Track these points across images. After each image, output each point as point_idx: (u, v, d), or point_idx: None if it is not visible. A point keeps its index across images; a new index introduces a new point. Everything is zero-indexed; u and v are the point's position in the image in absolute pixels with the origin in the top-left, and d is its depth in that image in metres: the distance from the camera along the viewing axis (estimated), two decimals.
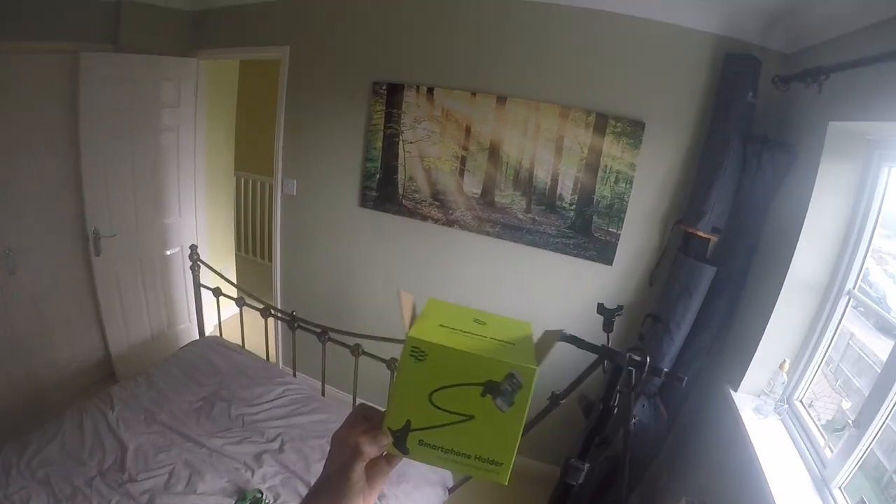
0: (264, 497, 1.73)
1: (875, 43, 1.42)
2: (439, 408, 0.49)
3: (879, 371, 1.51)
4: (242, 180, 3.89)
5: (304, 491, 1.81)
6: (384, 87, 2.49)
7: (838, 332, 1.83)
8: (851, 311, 1.86)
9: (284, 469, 1.90)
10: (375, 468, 0.53)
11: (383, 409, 0.51)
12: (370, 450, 0.49)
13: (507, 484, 0.49)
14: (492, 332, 0.52)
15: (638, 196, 2.24)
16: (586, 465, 1.53)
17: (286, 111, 2.74)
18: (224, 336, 2.85)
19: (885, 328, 1.94)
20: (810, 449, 1.68)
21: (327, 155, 2.69)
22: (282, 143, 2.78)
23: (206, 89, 3.10)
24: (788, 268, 1.81)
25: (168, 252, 3.17)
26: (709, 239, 2.09)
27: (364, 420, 0.52)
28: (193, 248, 2.70)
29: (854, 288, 1.76)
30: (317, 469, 1.92)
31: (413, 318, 0.53)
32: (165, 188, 3.04)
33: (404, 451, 0.50)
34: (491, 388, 0.48)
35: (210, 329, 3.02)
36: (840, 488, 1.52)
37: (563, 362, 1.73)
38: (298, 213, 2.83)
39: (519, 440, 0.48)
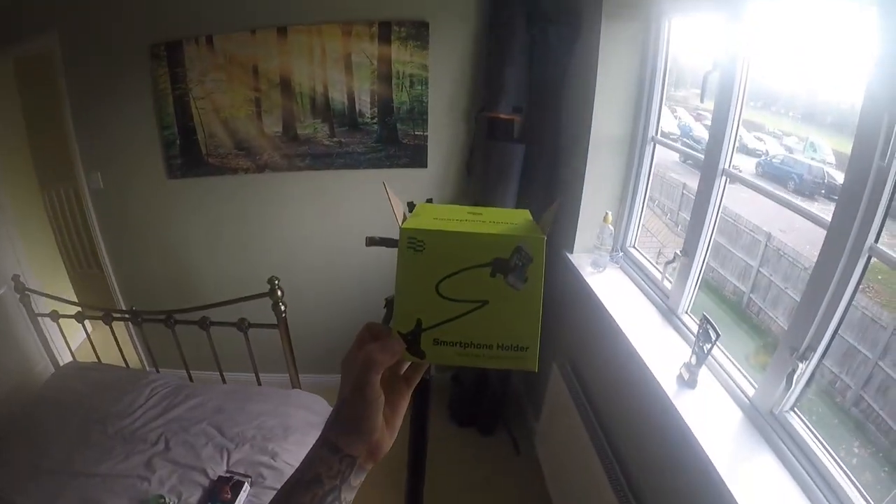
0: (168, 501, 1.68)
1: None
2: (449, 298, 0.44)
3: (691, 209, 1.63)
4: (53, 192, 3.50)
5: (202, 481, 1.78)
6: (163, 49, 2.28)
7: (651, 176, 1.96)
8: (682, 166, 2.01)
9: (177, 466, 1.85)
10: (394, 390, 0.49)
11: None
12: (383, 357, 0.43)
13: (536, 370, 0.44)
14: (489, 218, 0.48)
15: (436, 95, 2.26)
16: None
17: (71, 102, 2.45)
18: (84, 358, 2.63)
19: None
20: (651, 286, 1.83)
21: (124, 136, 2.46)
22: (75, 137, 2.50)
23: None
24: (590, 128, 1.91)
25: None
26: (512, 119, 2.15)
27: (372, 337, 0.46)
28: (16, 278, 2.43)
29: (657, 135, 1.88)
30: (208, 454, 1.89)
31: (405, 217, 0.48)
32: None
33: (420, 355, 0.45)
34: (500, 267, 0.43)
35: (67, 357, 2.77)
36: (687, 312, 1.66)
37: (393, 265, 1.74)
38: (112, 206, 2.60)
39: (540, 318, 0.44)
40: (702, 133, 2.05)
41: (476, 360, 0.45)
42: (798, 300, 1.55)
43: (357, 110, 2.29)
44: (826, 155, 1.55)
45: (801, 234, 1.91)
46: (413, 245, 0.43)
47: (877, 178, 0.96)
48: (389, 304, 1.58)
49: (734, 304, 1.97)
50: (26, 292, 2.43)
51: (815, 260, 1.14)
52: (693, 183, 2.28)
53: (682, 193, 2.40)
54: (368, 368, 0.43)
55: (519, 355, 0.45)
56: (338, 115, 2.31)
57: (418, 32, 2.17)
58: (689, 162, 2.33)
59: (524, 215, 0.50)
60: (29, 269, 2.98)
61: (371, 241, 1.52)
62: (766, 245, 2.00)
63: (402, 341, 0.44)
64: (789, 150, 1.66)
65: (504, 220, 0.48)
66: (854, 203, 1.00)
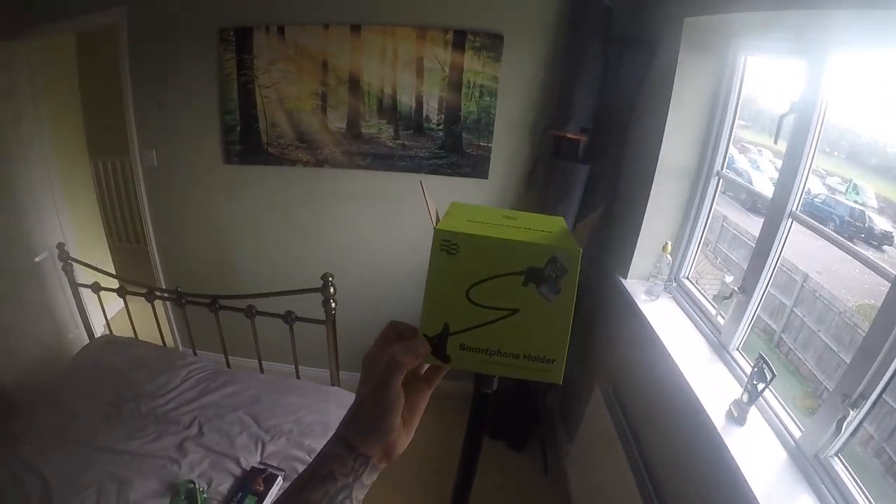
0: (197, 486, 1.66)
1: None
2: (479, 304, 0.43)
3: (754, 245, 1.63)
4: (101, 164, 3.54)
5: (234, 469, 1.76)
6: (232, 34, 2.28)
7: (712, 211, 1.95)
8: (722, 197, 2.00)
9: (209, 452, 1.82)
10: (414, 391, 0.47)
11: (417, 326, 0.45)
12: (407, 359, 0.43)
13: (560, 383, 0.44)
14: (524, 223, 0.47)
15: (504, 107, 2.25)
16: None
17: (132, 78, 2.45)
18: (116, 332, 2.63)
19: (753, 208, 2.12)
20: (704, 319, 1.81)
21: (183, 116, 2.47)
22: (133, 113, 2.51)
23: (43, 72, 2.71)
24: (658, 156, 1.90)
25: (37, 259, 2.84)
26: (578, 140, 2.14)
27: (397, 337, 0.46)
28: (61, 246, 2.44)
29: (722, 169, 1.87)
30: (242, 443, 1.87)
31: (438, 217, 0.47)
32: (15, 193, 2.68)
33: (445, 360, 0.44)
34: (533, 276, 0.42)
35: (100, 329, 2.78)
36: (738, 349, 1.65)
37: None
38: (164, 185, 2.61)
39: (570, 331, 0.43)
40: (744, 166, 2.07)
41: (501, 369, 0.44)
42: (828, 344, 1.52)
43: (424, 115, 2.28)
44: (868, 198, 1.54)
45: (837, 277, 1.91)
46: (447, 247, 0.42)
47: None
48: None
49: (765, 341, 1.95)
50: (70, 262, 2.43)
51: (849, 305, 1.13)
52: (733, 215, 2.28)
53: (723, 226, 2.39)
54: (392, 369, 0.42)
55: (545, 367, 0.44)
56: (404, 118, 2.30)
57: (493, 44, 2.16)
58: (730, 194, 2.33)
59: (559, 223, 0.49)
60: (73, 237, 3.00)
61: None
62: (803, 285, 1.99)
63: (427, 344, 0.44)
64: (832, 190, 1.65)
65: (539, 227, 0.47)
66: None
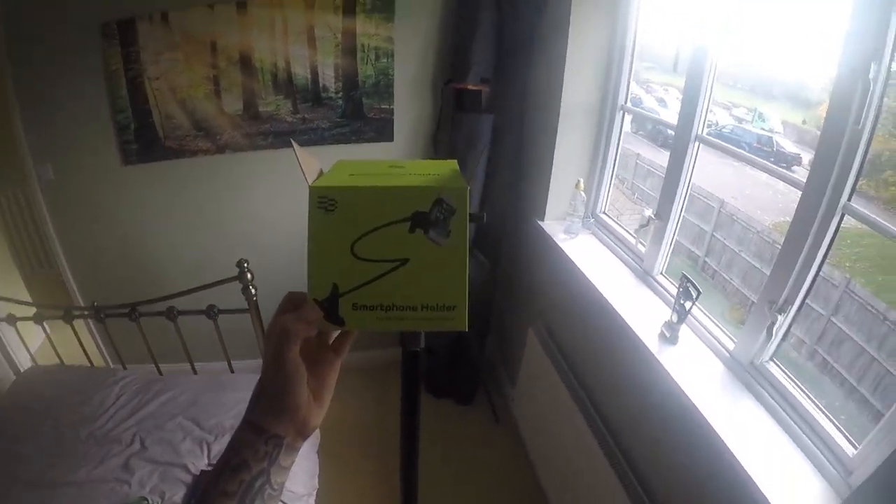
0: (151, 502, 1.62)
1: None
2: (366, 259, 0.41)
3: (664, 173, 1.66)
4: (1, 197, 3.33)
5: (185, 477, 1.71)
6: (115, 27, 2.15)
7: (620, 146, 1.98)
8: (634, 137, 2.02)
9: (156, 465, 1.77)
10: (322, 361, 0.45)
11: None
12: (297, 327, 0.40)
13: (466, 329, 0.41)
14: (411, 170, 0.45)
15: (402, 67, 2.22)
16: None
17: (17, 91, 2.29)
18: (45, 362, 2.50)
19: (665, 145, 2.16)
20: (625, 250, 1.85)
21: (74, 122, 2.31)
22: (21, 129, 2.35)
23: None
24: (561, 97, 1.91)
25: None
26: (480, 90, 2.13)
27: (293, 306, 0.43)
28: None
29: (625, 104, 1.89)
30: (187, 448, 1.82)
31: (319, 174, 0.45)
32: None
33: (339, 322, 0.42)
34: (420, 221, 0.40)
35: (27, 363, 2.63)
36: (662, 273, 1.69)
37: None
38: (65, 198, 2.46)
39: (467, 274, 0.40)
40: (651, 104, 2.15)
41: (401, 324, 0.42)
42: (751, 262, 1.55)
43: (321, 85, 2.22)
44: (774, 125, 1.63)
45: (751, 200, 2.02)
46: (324, 204, 0.41)
47: (850, 141, 0.99)
48: None
49: (690, 267, 2.05)
50: None
51: (766, 224, 1.17)
52: (645, 152, 2.34)
53: (636, 163, 2.45)
54: (284, 341, 0.40)
55: (446, 315, 0.42)
56: (301, 91, 2.23)
57: (384, 4, 2.11)
58: (641, 133, 2.38)
59: (451, 165, 0.47)
60: None
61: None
62: (720, 211, 2.06)
63: (318, 309, 0.42)
64: (739, 120, 1.74)
65: (427, 171, 0.45)
66: (828, 165, 1.04)
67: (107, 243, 2.58)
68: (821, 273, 1.14)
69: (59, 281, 2.72)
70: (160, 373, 2.25)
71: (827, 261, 1.13)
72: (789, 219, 1.16)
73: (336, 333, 0.47)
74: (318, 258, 0.42)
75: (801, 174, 1.17)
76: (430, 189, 0.40)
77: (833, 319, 1.49)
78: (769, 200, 1.94)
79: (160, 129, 2.29)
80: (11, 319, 2.27)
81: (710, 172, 1.75)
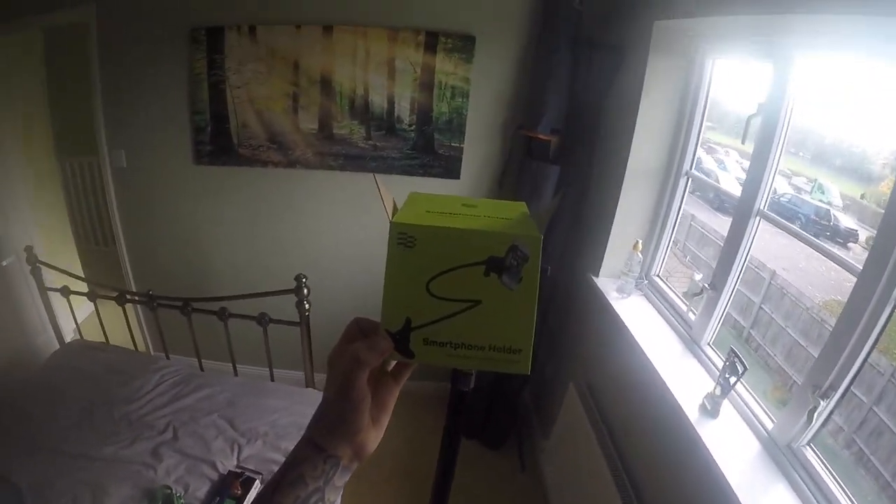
0: (174, 491, 1.65)
1: None
2: (440, 297, 0.42)
3: (723, 243, 1.66)
4: (69, 165, 3.46)
5: (211, 474, 1.75)
6: (203, 33, 2.25)
7: (681, 210, 1.99)
8: (690, 197, 2.04)
9: (185, 457, 1.81)
10: (382, 387, 0.47)
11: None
12: (369, 356, 0.42)
13: (528, 373, 0.43)
14: (484, 211, 0.46)
15: (476, 108, 2.27)
16: (473, 370, 1.59)
17: (102, 77, 2.40)
18: (87, 336, 2.59)
19: (720, 208, 2.16)
20: (675, 315, 1.85)
21: (153, 116, 2.43)
22: (101, 113, 2.46)
23: (9, 69, 2.64)
24: (628, 157, 1.93)
25: (4, 263, 2.77)
26: (549, 140, 2.17)
27: (360, 334, 0.45)
28: (29, 249, 2.38)
29: (690, 170, 1.91)
30: (218, 446, 1.85)
31: (395, 208, 0.46)
32: None
33: (409, 355, 0.43)
34: (494, 265, 0.41)
35: (70, 334, 2.73)
36: (709, 344, 1.69)
37: None
38: (133, 186, 2.57)
39: (535, 320, 0.42)
40: (711, 166, 2.13)
41: (467, 362, 0.44)
42: (796, 338, 1.54)
43: (396, 116, 2.29)
44: (833, 197, 1.60)
45: (804, 274, 1.97)
46: (404, 240, 0.42)
47: None
48: None
49: (734, 337, 1.99)
50: (38, 265, 2.38)
51: (816, 301, 1.18)
52: (701, 214, 2.34)
53: (691, 225, 2.45)
54: (355, 368, 0.42)
55: (512, 358, 0.43)
56: (376, 119, 2.31)
57: (464, 45, 2.18)
58: (697, 193, 2.39)
59: (520, 208, 0.49)
60: (39, 240, 2.93)
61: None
62: (770, 283, 2.04)
63: (390, 340, 0.43)
64: (798, 189, 1.71)
65: (499, 214, 0.46)
66: (886, 253, 1.05)
67: (166, 234, 2.67)
68: (868, 360, 1.14)
69: (114, 260, 2.82)
70: (202, 368, 2.32)
71: (876, 347, 1.12)
72: (840, 298, 1.16)
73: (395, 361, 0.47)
74: (393, 291, 0.43)
75: (856, 251, 1.16)
76: (507, 236, 0.41)
77: (875, 409, 1.46)
78: (822, 276, 1.90)
79: (235, 136, 2.38)
80: (66, 291, 2.37)
81: (764, 241, 1.74)
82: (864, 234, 1.42)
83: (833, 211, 1.58)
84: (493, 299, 0.42)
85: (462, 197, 0.51)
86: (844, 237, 1.53)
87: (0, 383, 2.62)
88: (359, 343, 0.43)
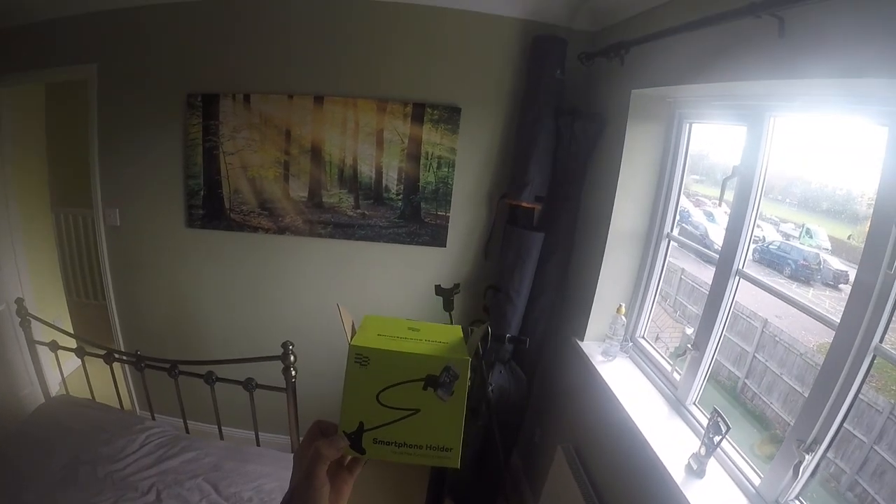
0: None
1: (668, 18, 1.58)
2: (387, 406, 0.52)
3: (704, 304, 1.70)
4: (62, 217, 3.50)
5: None
6: (199, 99, 2.34)
7: (665, 271, 2.04)
8: (679, 251, 2.09)
9: None
10: (339, 477, 0.55)
11: (337, 422, 0.54)
12: (328, 452, 0.51)
13: (458, 467, 0.52)
14: (426, 335, 0.56)
15: (461, 178, 2.35)
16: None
17: (100, 135, 2.47)
18: (72, 392, 2.58)
19: (710, 260, 2.21)
20: (660, 376, 1.88)
21: (148, 178, 2.49)
22: (98, 171, 2.52)
23: (9, 119, 2.69)
24: (610, 222, 2.00)
25: None
26: (533, 208, 2.23)
27: (321, 433, 0.54)
28: (20, 301, 2.40)
29: (672, 232, 1.97)
30: None
31: (353, 330, 0.56)
32: None
33: (361, 452, 0.53)
34: (431, 382, 0.52)
35: (56, 387, 2.71)
36: (695, 403, 1.71)
37: None
38: (126, 244, 2.61)
39: (463, 424, 0.52)
40: (699, 219, 2.17)
41: (408, 458, 0.53)
42: (792, 386, 1.55)
43: (384, 185, 2.36)
44: (822, 241, 1.63)
45: (796, 320, 1.95)
46: (360, 360, 0.52)
47: (883, 284, 1.05)
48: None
49: (729, 388, 2.01)
50: (28, 318, 2.38)
51: (810, 346, 1.21)
52: (691, 268, 2.37)
53: (681, 279, 2.48)
54: (317, 461, 0.51)
55: (444, 455, 0.53)
56: (364, 188, 2.37)
57: (450, 116, 2.27)
58: (687, 248, 2.42)
59: (456, 333, 0.59)
60: (30, 288, 2.95)
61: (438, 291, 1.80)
62: (763, 331, 2.07)
63: (346, 439, 0.52)
64: (786, 236, 1.74)
65: (438, 338, 0.56)
66: (861, 307, 1.09)
67: (156, 294, 2.70)
68: (864, 399, 1.16)
69: (104, 314, 2.83)
70: (187, 430, 2.31)
71: (872, 385, 1.14)
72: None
73: (350, 457, 0.57)
74: (350, 400, 0.53)
75: (847, 292, 1.17)
76: (443, 359, 0.52)
77: (876, 448, 1.42)
78: (813, 321, 1.97)
79: (227, 201, 2.43)
80: (54, 346, 2.38)
81: (755, 289, 1.77)
82: (853, 273, 1.45)
83: (822, 255, 1.62)
84: (429, 408, 0.52)
85: (408, 321, 0.61)
86: (835, 279, 1.56)
87: None
88: (320, 441, 0.52)
